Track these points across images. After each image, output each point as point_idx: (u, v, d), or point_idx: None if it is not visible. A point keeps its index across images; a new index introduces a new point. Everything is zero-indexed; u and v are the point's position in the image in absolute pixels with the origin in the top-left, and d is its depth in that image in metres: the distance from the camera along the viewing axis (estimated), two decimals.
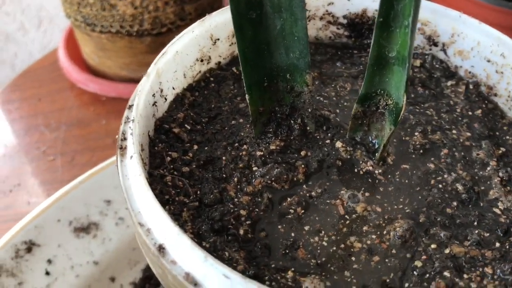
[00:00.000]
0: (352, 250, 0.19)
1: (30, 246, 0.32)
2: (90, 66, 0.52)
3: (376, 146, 0.22)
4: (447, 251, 0.19)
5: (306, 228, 0.20)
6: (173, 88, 0.24)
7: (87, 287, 0.32)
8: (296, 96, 0.22)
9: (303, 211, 0.20)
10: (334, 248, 0.19)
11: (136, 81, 0.50)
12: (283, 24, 0.20)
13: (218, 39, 0.25)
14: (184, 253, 0.16)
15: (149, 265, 0.33)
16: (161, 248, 0.17)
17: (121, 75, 0.50)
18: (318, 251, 0.19)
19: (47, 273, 0.32)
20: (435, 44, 0.26)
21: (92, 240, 0.34)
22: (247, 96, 0.21)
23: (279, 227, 0.20)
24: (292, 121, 0.23)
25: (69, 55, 0.52)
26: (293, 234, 0.20)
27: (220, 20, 0.25)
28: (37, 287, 0.31)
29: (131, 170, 0.19)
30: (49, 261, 0.32)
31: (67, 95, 0.52)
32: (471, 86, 0.26)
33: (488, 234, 0.19)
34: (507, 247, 0.19)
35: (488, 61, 0.24)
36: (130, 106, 0.21)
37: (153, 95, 0.22)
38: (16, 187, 0.43)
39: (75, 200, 0.35)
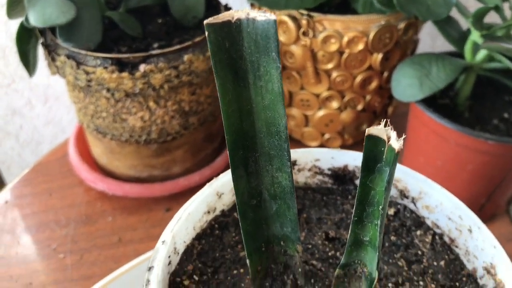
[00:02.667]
0: None
1: None
2: (99, 164, 0.57)
3: None
4: None
5: None
6: (184, 242, 0.28)
7: None
8: (289, 258, 0.27)
9: None
10: None
11: (142, 179, 0.55)
12: (278, 207, 0.25)
13: (223, 193, 0.30)
14: None
15: None
16: None
17: (128, 174, 0.55)
18: None
19: None
20: (406, 197, 0.31)
21: None
22: (247, 261, 0.26)
23: None
24: (285, 277, 0.27)
25: (79, 153, 0.57)
26: None
27: (225, 180, 0.30)
28: None
29: None
30: None
31: (76, 191, 0.56)
32: (437, 237, 0.30)
33: None
34: None
35: (449, 219, 0.29)
36: (150, 268, 0.26)
37: (169, 257, 0.26)
38: (28, 286, 0.47)
39: None
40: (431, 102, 0.48)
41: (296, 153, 0.31)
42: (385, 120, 0.20)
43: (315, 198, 0.33)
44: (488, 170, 0.46)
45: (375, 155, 0.20)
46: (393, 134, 0.19)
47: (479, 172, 0.47)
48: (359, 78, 0.53)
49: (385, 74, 0.54)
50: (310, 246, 0.30)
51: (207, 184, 0.29)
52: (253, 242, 0.26)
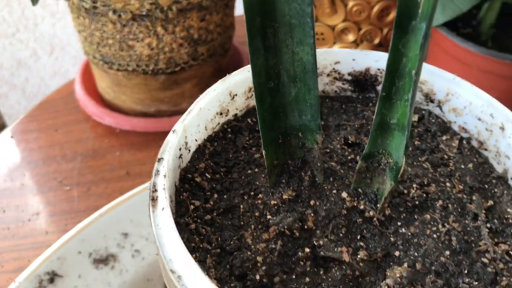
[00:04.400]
0: None
1: (52, 277, 0.35)
2: (105, 100, 0.55)
3: (378, 197, 0.25)
4: None
5: (320, 271, 0.22)
6: (196, 140, 0.27)
7: None
8: (307, 152, 0.25)
9: (313, 256, 0.23)
10: None
11: (149, 115, 0.53)
12: (297, 92, 0.23)
13: (236, 95, 0.28)
14: None
15: None
16: None
17: (135, 109, 0.53)
18: None
19: None
20: (432, 101, 0.29)
21: (110, 271, 0.36)
22: (263, 152, 0.24)
23: (292, 273, 0.22)
24: (303, 173, 0.25)
25: (85, 89, 0.55)
26: (307, 279, 0.22)
27: (239, 79, 0.28)
28: None
29: (163, 221, 0.21)
30: None
31: (82, 127, 0.54)
32: (464, 141, 0.28)
33: (476, 283, 0.22)
34: None
35: (479, 119, 0.27)
36: (160, 159, 0.24)
37: (180, 149, 0.25)
38: (35, 216, 0.46)
39: (95, 233, 0.37)
40: (453, 31, 0.46)
41: None
42: None
43: (333, 106, 0.31)
44: None
45: (409, 7, 0.18)
46: None
47: (504, 101, 0.44)
48: (376, 8, 0.50)
49: None
50: (328, 151, 0.28)
51: (220, 81, 0.27)
52: (269, 132, 0.24)
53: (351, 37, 0.53)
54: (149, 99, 0.52)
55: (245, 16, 0.20)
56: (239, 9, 0.55)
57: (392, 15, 0.52)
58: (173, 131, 0.24)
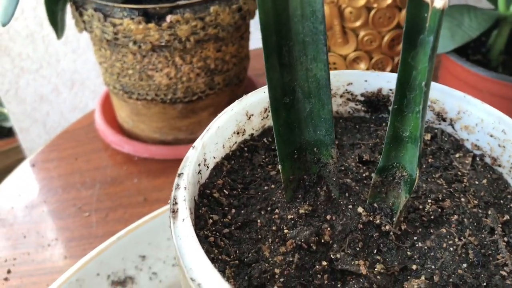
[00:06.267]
0: None
1: None
2: (125, 129, 0.57)
3: (393, 212, 0.25)
4: None
5: (338, 284, 0.22)
6: (214, 158, 0.27)
7: None
8: (322, 167, 0.26)
9: (330, 268, 0.23)
10: None
11: (167, 143, 0.54)
12: (312, 107, 0.24)
13: (252, 115, 0.29)
14: None
15: None
16: None
17: (153, 138, 0.54)
18: None
19: None
20: (444, 120, 0.30)
21: None
22: (279, 166, 0.25)
23: (310, 285, 0.23)
24: (318, 188, 0.26)
25: (105, 118, 0.57)
26: None
27: (255, 100, 0.29)
28: None
29: (183, 232, 0.22)
30: None
31: (102, 155, 0.56)
32: (477, 158, 0.29)
33: None
34: None
35: (491, 136, 0.28)
36: (180, 174, 0.25)
37: (199, 165, 0.26)
38: (54, 241, 0.47)
39: (113, 255, 0.37)
40: (463, 58, 0.47)
41: None
42: None
43: (347, 126, 0.32)
44: None
45: (417, 23, 0.19)
46: None
47: None
48: (387, 37, 0.52)
49: None
50: (343, 168, 0.28)
51: (237, 101, 0.28)
52: (285, 147, 0.25)
53: (363, 66, 0.54)
54: (167, 128, 0.53)
55: (262, 35, 0.21)
56: (254, 42, 0.57)
57: None
58: (193, 147, 0.25)
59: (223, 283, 0.19)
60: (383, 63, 0.54)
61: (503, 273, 0.23)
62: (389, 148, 0.23)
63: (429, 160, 0.29)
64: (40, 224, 0.48)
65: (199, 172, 0.26)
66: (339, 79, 0.31)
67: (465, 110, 0.29)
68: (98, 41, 0.48)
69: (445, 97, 0.29)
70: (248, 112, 0.29)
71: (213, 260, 0.22)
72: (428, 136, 0.30)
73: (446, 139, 0.30)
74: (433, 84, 0.29)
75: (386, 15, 0.50)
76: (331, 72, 0.30)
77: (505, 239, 0.24)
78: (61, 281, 0.35)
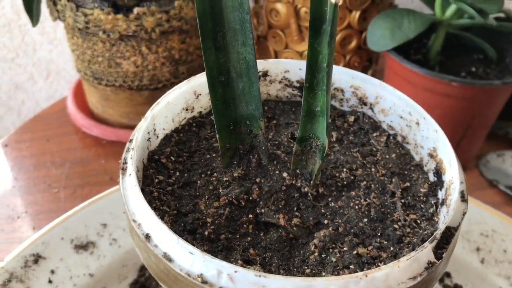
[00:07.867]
0: (291, 249, 0.26)
1: (37, 258, 0.39)
2: (94, 114, 0.60)
3: (312, 177, 0.30)
4: (354, 252, 0.26)
5: (261, 233, 0.27)
6: (163, 129, 0.32)
7: None
8: (254, 137, 0.30)
9: (255, 220, 0.28)
10: (277, 248, 0.26)
11: (134, 127, 0.58)
12: (243, 85, 0.28)
13: (200, 94, 0.34)
14: (163, 238, 0.23)
15: (135, 280, 0.40)
16: (147, 236, 0.24)
17: (121, 122, 0.58)
18: (265, 251, 0.26)
19: (50, 282, 0.38)
20: (365, 104, 0.35)
21: (89, 256, 0.40)
22: (217, 136, 0.29)
23: (236, 233, 0.27)
24: (251, 156, 0.30)
25: (76, 103, 0.61)
26: (249, 239, 0.27)
27: (203, 80, 0.33)
28: None
29: (129, 184, 0.26)
30: (52, 272, 0.39)
31: (72, 138, 0.59)
32: (391, 137, 0.34)
33: (386, 242, 0.27)
34: (398, 250, 0.26)
35: (401, 117, 0.33)
36: (131, 140, 0.29)
37: (148, 133, 0.30)
38: (23, 214, 0.50)
39: (77, 222, 0.41)
40: (405, 58, 0.52)
41: (267, 63, 0.35)
42: None
43: (285, 109, 0.36)
44: (454, 115, 0.50)
45: (320, 14, 0.23)
46: None
47: (446, 117, 0.50)
48: (339, 36, 0.57)
49: (364, 34, 0.58)
50: (276, 142, 0.33)
51: (185, 81, 0.33)
52: (222, 119, 0.29)
53: None
54: (134, 113, 0.57)
55: (198, 21, 0.25)
56: None
57: (354, 43, 0.58)
58: (144, 118, 0.29)
59: (157, 221, 0.23)
60: (336, 60, 0.59)
61: (396, 226, 0.28)
62: (305, 121, 0.28)
63: (350, 138, 0.34)
64: (10, 197, 0.52)
65: (149, 140, 0.30)
66: (278, 66, 0.35)
67: (381, 95, 0.33)
68: (70, 29, 0.52)
69: (365, 84, 0.34)
70: (196, 91, 0.33)
71: (154, 209, 0.26)
72: (352, 118, 0.35)
73: (366, 121, 0.35)
74: (355, 73, 0.34)
75: (337, 16, 0.55)
76: (270, 60, 0.35)
77: (403, 201, 0.29)
78: (28, 243, 0.39)
